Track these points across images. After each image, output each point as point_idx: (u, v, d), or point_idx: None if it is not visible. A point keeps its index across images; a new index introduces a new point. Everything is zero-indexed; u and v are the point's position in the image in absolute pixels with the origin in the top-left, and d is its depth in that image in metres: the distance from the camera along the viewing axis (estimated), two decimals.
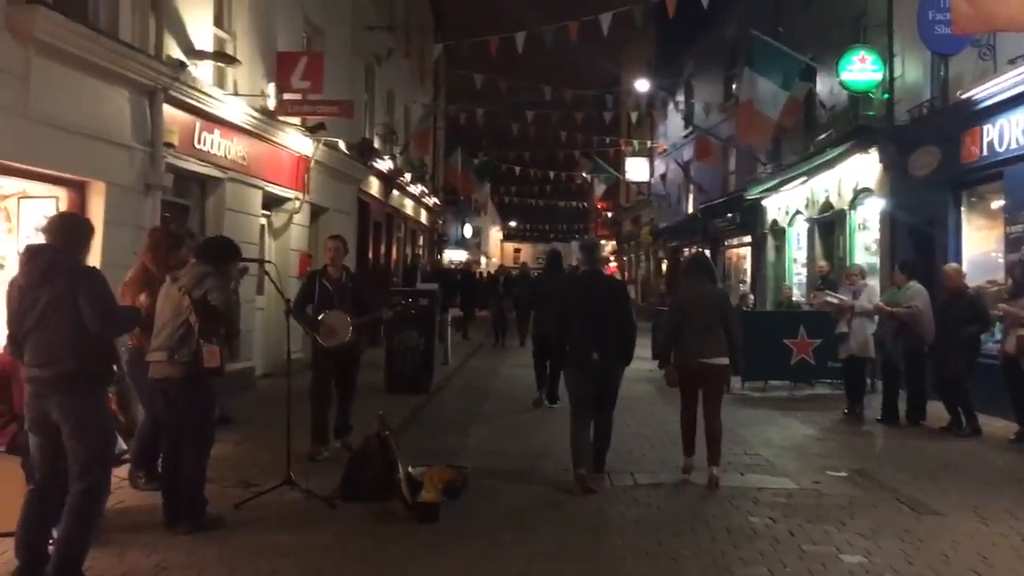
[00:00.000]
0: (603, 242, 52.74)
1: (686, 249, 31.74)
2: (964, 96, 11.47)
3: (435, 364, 12.85)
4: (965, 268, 10.76)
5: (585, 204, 50.96)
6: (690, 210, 30.14)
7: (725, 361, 7.47)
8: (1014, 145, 10.64)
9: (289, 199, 14.02)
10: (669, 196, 34.03)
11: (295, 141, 13.65)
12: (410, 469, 6.62)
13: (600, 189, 42.72)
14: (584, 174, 41.32)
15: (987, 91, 10.92)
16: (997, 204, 11.66)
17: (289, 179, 13.82)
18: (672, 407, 8.43)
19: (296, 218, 14.27)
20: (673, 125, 33.44)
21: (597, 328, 7.16)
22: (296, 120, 13.48)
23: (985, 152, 11.35)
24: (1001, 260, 11.15)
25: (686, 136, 30.49)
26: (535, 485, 7.26)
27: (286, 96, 12.89)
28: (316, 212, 15.50)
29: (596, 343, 7.14)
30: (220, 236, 7.31)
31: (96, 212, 8.37)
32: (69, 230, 4.94)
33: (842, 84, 14.76)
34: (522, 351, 18.25)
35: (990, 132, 11.18)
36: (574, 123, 29.55)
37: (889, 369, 10.51)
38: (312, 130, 14.05)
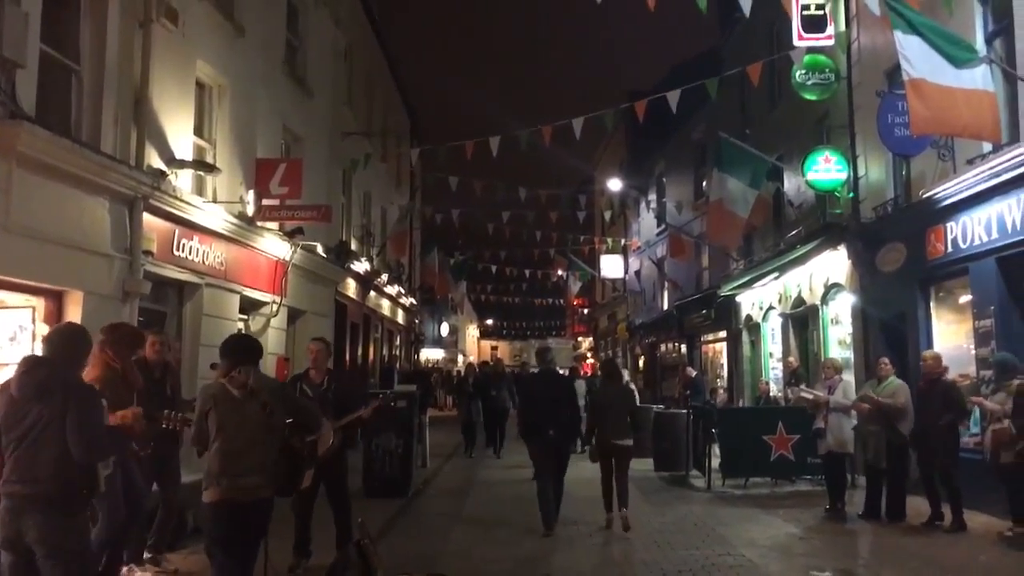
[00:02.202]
0: (580, 339, 52.89)
1: (663, 345, 31.93)
2: (926, 195, 11.83)
3: (413, 467, 12.71)
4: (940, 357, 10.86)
5: (562, 301, 51.33)
6: (665, 306, 30.45)
7: (630, 442, 10.03)
8: (977, 241, 10.94)
9: (266, 303, 14.06)
10: (644, 292, 34.41)
11: (273, 245, 13.78)
12: None
13: (575, 287, 43.10)
14: (559, 272, 41.75)
15: (948, 190, 11.27)
16: (964, 299, 11.90)
17: (267, 283, 13.89)
18: (655, 508, 8.27)
19: (273, 322, 14.29)
20: (646, 223, 34.06)
21: (550, 412, 9.68)
22: (274, 225, 13.63)
23: (950, 248, 11.65)
24: (972, 353, 11.32)
25: (659, 234, 31.03)
26: None
27: (265, 202, 13.07)
28: (293, 315, 15.53)
29: (550, 423, 9.65)
30: (243, 335, 6.97)
31: (72, 320, 8.36)
32: (74, 344, 4.87)
33: (808, 184, 15.21)
34: (506, 454, 18.10)
35: (953, 229, 11.51)
36: (549, 222, 30.03)
37: (871, 465, 10.52)
38: (290, 234, 14.19)
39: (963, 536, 9.29)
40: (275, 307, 14.24)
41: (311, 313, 16.29)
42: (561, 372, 14.85)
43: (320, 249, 16.22)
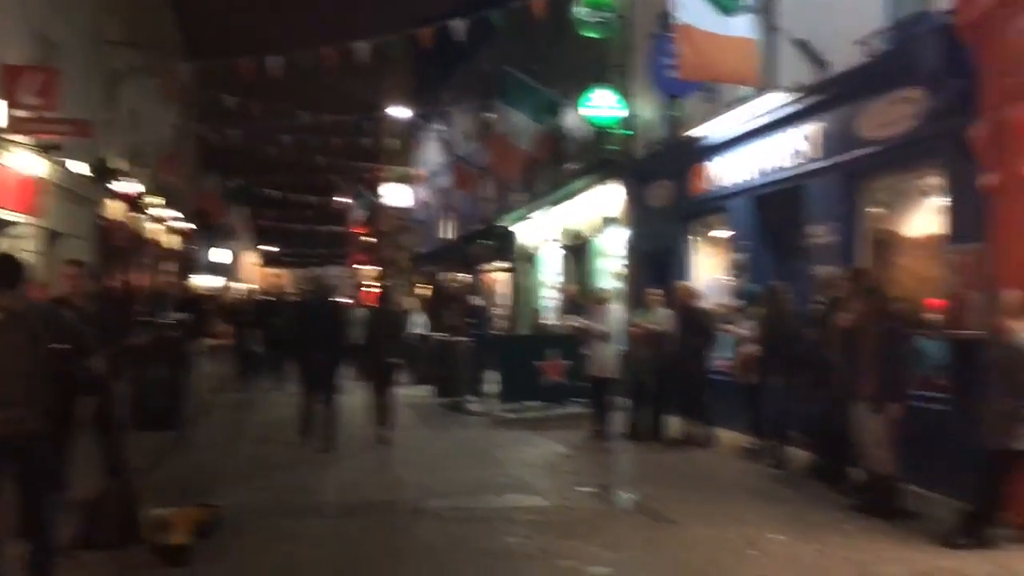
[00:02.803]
0: (364, 268, 52.34)
1: (446, 274, 32.28)
2: (691, 135, 12.57)
3: (185, 398, 12.22)
4: (699, 288, 11.66)
5: (345, 229, 50.53)
6: (449, 237, 30.74)
7: (396, 361, 10.99)
8: (735, 181, 11.79)
9: (18, 224, 12.87)
10: (429, 223, 34.52)
11: (25, 161, 12.57)
12: (158, 511, 6.27)
13: (359, 215, 42.54)
14: (343, 200, 41.00)
15: (710, 131, 12.03)
16: (723, 234, 12.83)
17: (18, 202, 12.70)
18: (433, 433, 8.55)
19: (26, 244, 13.12)
20: (432, 153, 34.00)
21: (320, 337, 10.14)
22: (28, 139, 12.43)
23: (711, 186, 12.49)
24: (728, 284, 12.26)
25: (445, 164, 31.09)
26: (293, 519, 7.10)
27: (16, 113, 11.87)
28: (49, 237, 14.33)
29: (319, 347, 10.09)
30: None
31: None
32: None
33: (584, 119, 15.70)
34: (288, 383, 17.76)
35: (714, 168, 12.33)
36: (332, 148, 29.24)
37: (635, 387, 11.21)
38: (45, 150, 13.00)
39: (712, 450, 10.18)
40: (28, 229, 13.07)
41: (70, 236, 15.10)
42: (338, 300, 14.65)
43: (79, 167, 14.98)
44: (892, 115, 8.42)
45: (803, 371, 8.46)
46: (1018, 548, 6.09)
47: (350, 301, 14.53)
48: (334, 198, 41.19)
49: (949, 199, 7.87)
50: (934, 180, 8.27)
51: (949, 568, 5.70)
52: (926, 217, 8.62)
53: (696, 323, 10.54)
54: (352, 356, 11.01)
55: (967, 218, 7.40)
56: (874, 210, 9.47)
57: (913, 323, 8.20)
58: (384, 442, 10.35)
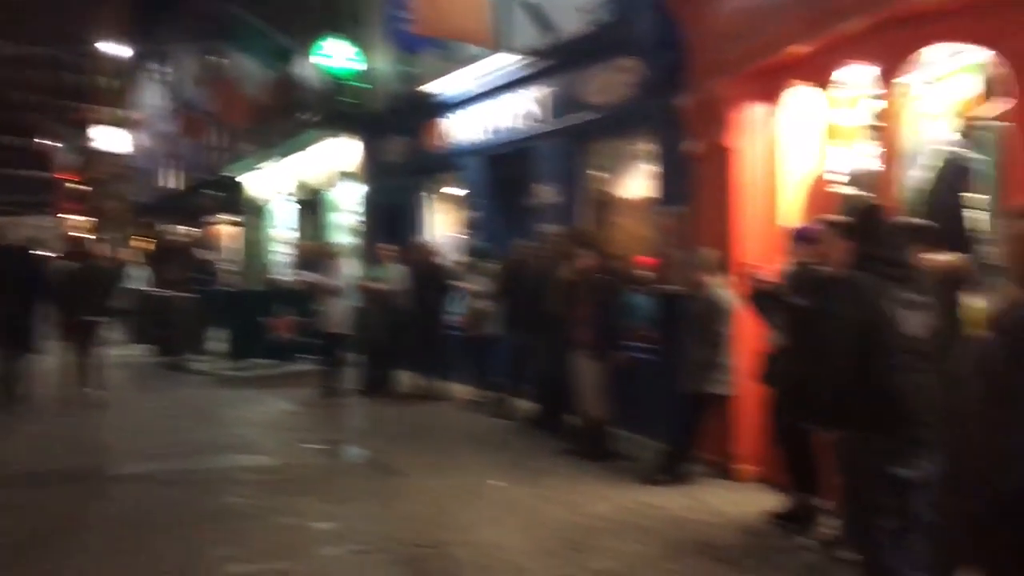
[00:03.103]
0: (72, 217, 48.03)
1: (170, 226, 30.38)
2: (426, 91, 12.58)
3: None
4: (437, 245, 11.76)
5: (51, 175, 46.02)
6: (173, 186, 28.88)
7: (98, 319, 10.41)
8: (469, 139, 11.97)
9: None
10: (150, 171, 32.19)
11: None
12: None
13: (69, 160, 38.87)
14: (48, 142, 37.24)
15: (446, 89, 12.11)
16: (457, 191, 13.01)
17: None
18: (149, 393, 8.04)
19: None
20: (153, 96, 31.63)
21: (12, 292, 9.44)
22: None
23: (446, 144, 12.61)
24: (461, 240, 12.48)
25: (167, 109, 29.06)
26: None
27: None
28: None
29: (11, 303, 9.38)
30: None
31: None
32: None
33: (320, 70, 15.25)
34: None
35: (450, 126, 12.44)
36: (34, 84, 26.43)
37: (369, 343, 11.15)
38: None
39: (442, 403, 10.38)
40: None
41: None
42: (35, 252, 13.31)
43: None
44: (611, 83, 8.88)
45: (538, 325, 8.76)
46: (711, 482, 6.72)
47: (53, 254, 13.23)
48: (36, 140, 37.29)
49: (659, 165, 8.45)
50: (647, 146, 8.83)
51: (649, 503, 6.19)
52: (640, 181, 9.21)
53: (433, 279, 10.64)
54: (52, 312, 10.06)
55: (674, 183, 7.99)
56: (595, 173, 9.99)
57: (626, 278, 8.79)
58: (92, 404, 9.61)
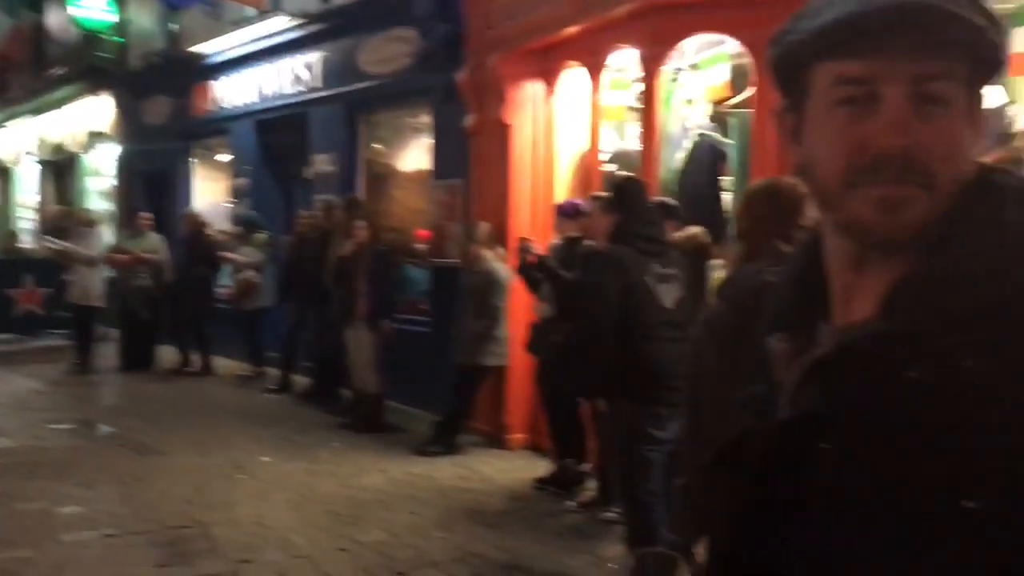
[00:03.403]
0: None
1: None
2: (193, 51, 11.88)
3: None
4: (206, 216, 11.10)
5: None
6: None
7: None
8: (238, 103, 11.43)
9: None
10: None
11: None
12: None
13: None
14: None
15: (213, 49, 11.49)
16: (225, 157, 12.41)
17: None
18: None
19: None
20: None
21: None
22: None
23: (213, 107, 11.97)
24: (229, 209, 11.93)
25: None
26: None
27: None
28: None
29: None
30: None
31: None
32: None
33: (73, 20, 14.00)
34: None
35: (218, 88, 11.82)
36: None
37: (126, 317, 10.43)
38: None
39: (209, 379, 9.91)
40: None
41: None
42: None
43: None
44: (388, 52, 8.75)
45: (312, 297, 8.51)
46: (482, 452, 6.86)
47: None
48: None
49: (437, 138, 8.44)
50: (425, 118, 8.80)
51: (422, 473, 6.23)
52: (417, 153, 9.17)
53: (202, 251, 10.09)
54: None
55: (451, 156, 8.01)
56: (373, 143, 9.85)
57: (403, 251, 8.75)
58: None
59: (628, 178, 4.76)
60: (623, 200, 4.25)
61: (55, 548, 4.69)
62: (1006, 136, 4.34)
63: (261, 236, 9.63)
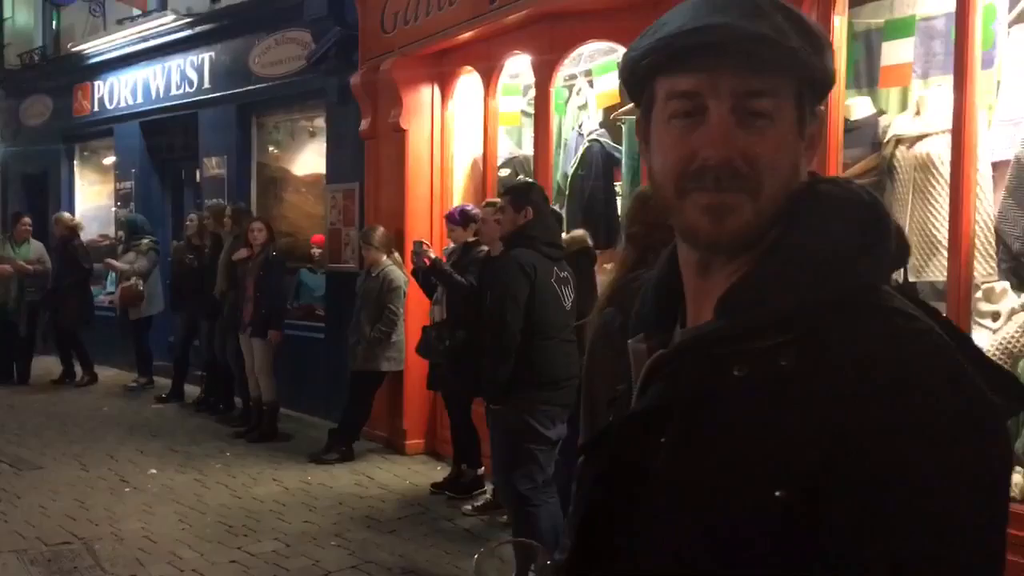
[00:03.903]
0: None
1: None
2: (75, 49, 11.46)
3: None
4: (79, 220, 10.65)
5: None
6: None
7: None
8: (123, 103, 11.06)
9: None
10: None
11: None
12: None
13: None
14: None
15: (97, 48, 11.10)
16: (109, 159, 11.98)
17: None
18: None
19: None
20: None
21: None
22: None
23: (96, 107, 11.56)
24: (112, 213, 11.52)
25: None
26: None
27: None
28: None
29: None
30: None
31: None
32: None
33: None
34: None
35: (101, 88, 11.42)
36: None
37: (1, 328, 9.91)
38: None
39: (93, 390, 9.53)
40: None
41: None
42: None
43: None
44: (281, 54, 8.63)
45: (202, 305, 8.26)
46: (379, 458, 6.81)
47: None
48: None
49: (331, 141, 8.34)
50: (320, 121, 8.69)
51: (317, 481, 6.14)
52: (312, 156, 9.04)
53: (73, 258, 9.66)
54: None
55: (346, 159, 7.94)
56: (266, 146, 9.67)
57: (298, 257, 8.61)
58: None
59: (529, 183, 4.80)
60: (527, 205, 4.29)
61: None
62: (877, 144, 4.56)
63: (146, 242, 9.30)
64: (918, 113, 4.32)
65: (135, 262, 9.20)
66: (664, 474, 0.86)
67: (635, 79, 0.95)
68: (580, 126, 6.49)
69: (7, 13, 13.37)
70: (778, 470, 0.78)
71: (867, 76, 4.69)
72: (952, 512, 0.75)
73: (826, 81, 0.92)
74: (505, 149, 6.96)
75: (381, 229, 6.84)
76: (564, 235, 4.99)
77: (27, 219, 10.20)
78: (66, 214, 10.56)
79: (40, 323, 9.97)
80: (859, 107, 4.60)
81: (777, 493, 0.77)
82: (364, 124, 7.42)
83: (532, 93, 6.45)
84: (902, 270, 0.94)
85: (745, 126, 0.86)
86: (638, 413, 0.93)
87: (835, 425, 0.77)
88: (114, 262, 9.45)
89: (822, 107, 0.95)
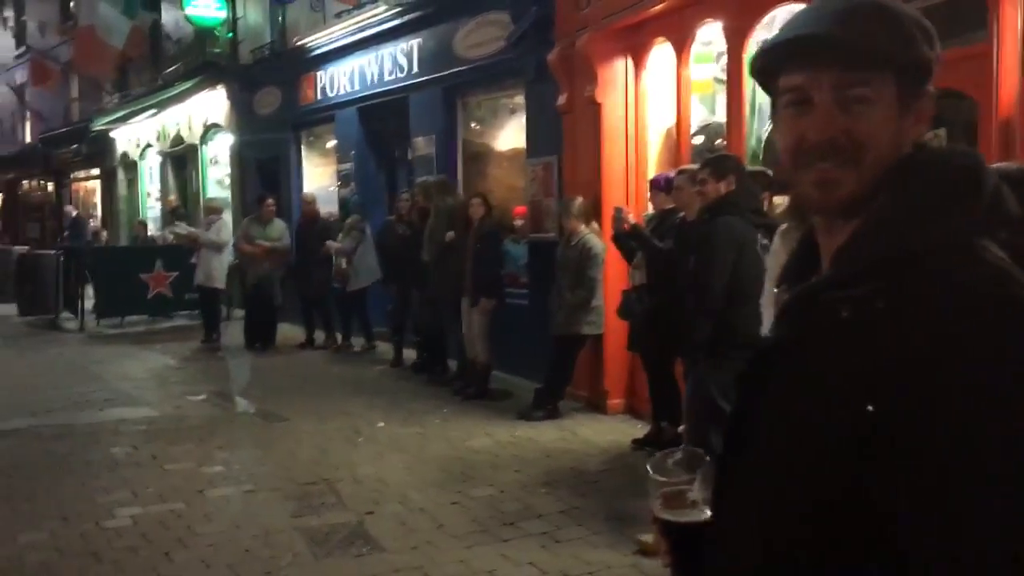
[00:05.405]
0: None
1: (24, 182, 28.93)
2: (299, 43, 12.49)
3: None
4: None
5: None
6: (28, 139, 27.44)
7: None
8: (342, 91, 11.98)
9: None
10: (0, 123, 30.43)
11: None
12: None
13: None
14: None
15: (318, 40, 12.06)
16: (330, 144, 13.02)
17: None
18: (18, 352, 7.89)
19: None
20: (3, 43, 29.78)
21: None
22: None
23: (319, 96, 12.58)
24: (335, 193, 12.53)
25: (19, 57, 27.47)
26: None
27: None
28: None
29: None
30: None
31: None
32: None
33: (187, 19, 14.85)
34: None
35: (322, 78, 12.41)
36: None
37: (251, 298, 11.03)
38: None
39: (323, 352, 10.52)
40: None
41: None
42: None
43: None
44: (482, 36, 9.10)
45: (415, 276, 8.91)
46: (582, 416, 7.19)
47: None
48: None
49: (531, 117, 8.74)
50: (519, 99, 9.12)
51: (525, 436, 6.61)
52: (513, 132, 9.50)
53: (322, 233, 10.61)
54: None
55: (545, 134, 8.31)
56: (470, 124, 10.23)
57: (503, 228, 9.11)
58: None
59: (727, 155, 4.95)
60: (729, 173, 4.47)
61: (202, 502, 5.27)
62: None
63: (349, 221, 10.11)
64: None
65: (342, 242, 10.03)
66: (779, 400, 1.06)
67: (762, 76, 1.18)
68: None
69: (240, 12, 14.72)
70: (871, 391, 0.94)
71: None
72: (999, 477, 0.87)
73: (923, 67, 1.09)
74: (698, 117, 7.08)
75: (579, 199, 7.17)
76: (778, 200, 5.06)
77: (271, 200, 11.29)
78: (308, 192, 11.59)
79: (284, 293, 11.03)
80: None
81: (869, 408, 0.93)
82: (561, 99, 7.75)
83: (724, 60, 6.54)
84: None
85: (845, 110, 1.06)
86: (764, 350, 1.17)
87: (913, 357, 0.93)
88: (332, 243, 10.28)
89: (930, 87, 1.11)
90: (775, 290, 1.27)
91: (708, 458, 1.28)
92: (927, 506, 0.89)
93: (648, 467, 1.27)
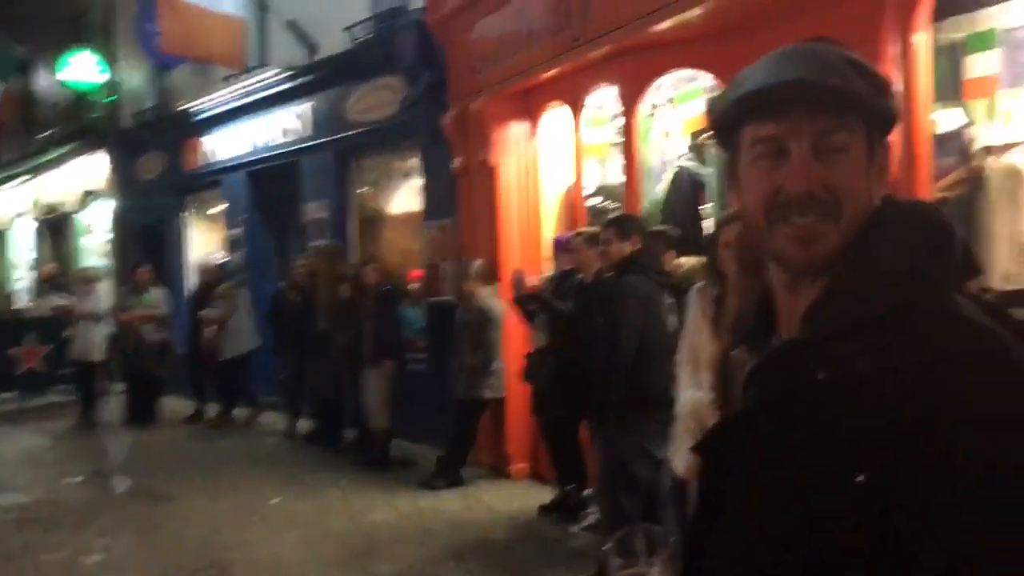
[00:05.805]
0: None
1: None
2: (183, 107, 12.18)
3: None
4: (193, 268, 11.26)
5: None
6: None
7: None
8: (230, 155, 11.70)
9: None
10: None
11: None
12: None
13: None
14: None
15: (204, 104, 11.79)
16: (219, 208, 12.65)
17: None
18: None
19: None
20: None
21: None
22: None
23: (205, 160, 12.25)
24: (224, 259, 12.13)
25: None
26: None
27: None
28: None
29: None
30: None
31: None
32: None
33: (62, 83, 14.29)
34: None
35: (209, 142, 12.11)
36: None
37: (131, 370, 10.52)
38: None
39: (216, 429, 10.02)
40: None
41: None
42: None
43: None
44: (376, 100, 9.06)
45: (309, 342, 8.66)
46: (486, 483, 7.03)
47: None
48: None
49: (426, 179, 8.70)
50: (414, 162, 9.07)
51: (429, 507, 6.40)
52: (408, 195, 9.43)
53: (204, 300, 10.25)
54: None
55: (440, 196, 8.27)
56: (363, 188, 10.11)
57: (400, 292, 8.97)
58: None
59: (630, 215, 4.98)
60: (633, 233, 4.48)
61: None
62: (966, 155, 4.61)
63: (224, 286, 9.84)
64: (1005, 123, 4.37)
65: (219, 306, 9.73)
66: (757, 467, 1.00)
67: (723, 128, 1.11)
68: (664, 153, 6.66)
69: (121, 76, 14.26)
70: (859, 460, 0.89)
71: (951, 89, 4.74)
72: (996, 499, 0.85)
73: (890, 118, 1.07)
74: (594, 178, 7.16)
75: (479, 261, 7.12)
76: (679, 260, 5.08)
77: (144, 268, 10.85)
78: (210, 261, 11.19)
79: (166, 364, 10.55)
80: (946, 119, 4.66)
81: (858, 479, 0.88)
82: (456, 162, 7.73)
83: (618, 123, 6.65)
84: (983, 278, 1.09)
85: (822, 160, 1.01)
86: (737, 414, 1.11)
87: (906, 419, 0.89)
88: (201, 312, 9.97)
89: (889, 139, 1.09)
90: (732, 352, 1.21)
91: (672, 538, 1.19)
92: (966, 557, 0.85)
93: (606, 552, 1.18)
